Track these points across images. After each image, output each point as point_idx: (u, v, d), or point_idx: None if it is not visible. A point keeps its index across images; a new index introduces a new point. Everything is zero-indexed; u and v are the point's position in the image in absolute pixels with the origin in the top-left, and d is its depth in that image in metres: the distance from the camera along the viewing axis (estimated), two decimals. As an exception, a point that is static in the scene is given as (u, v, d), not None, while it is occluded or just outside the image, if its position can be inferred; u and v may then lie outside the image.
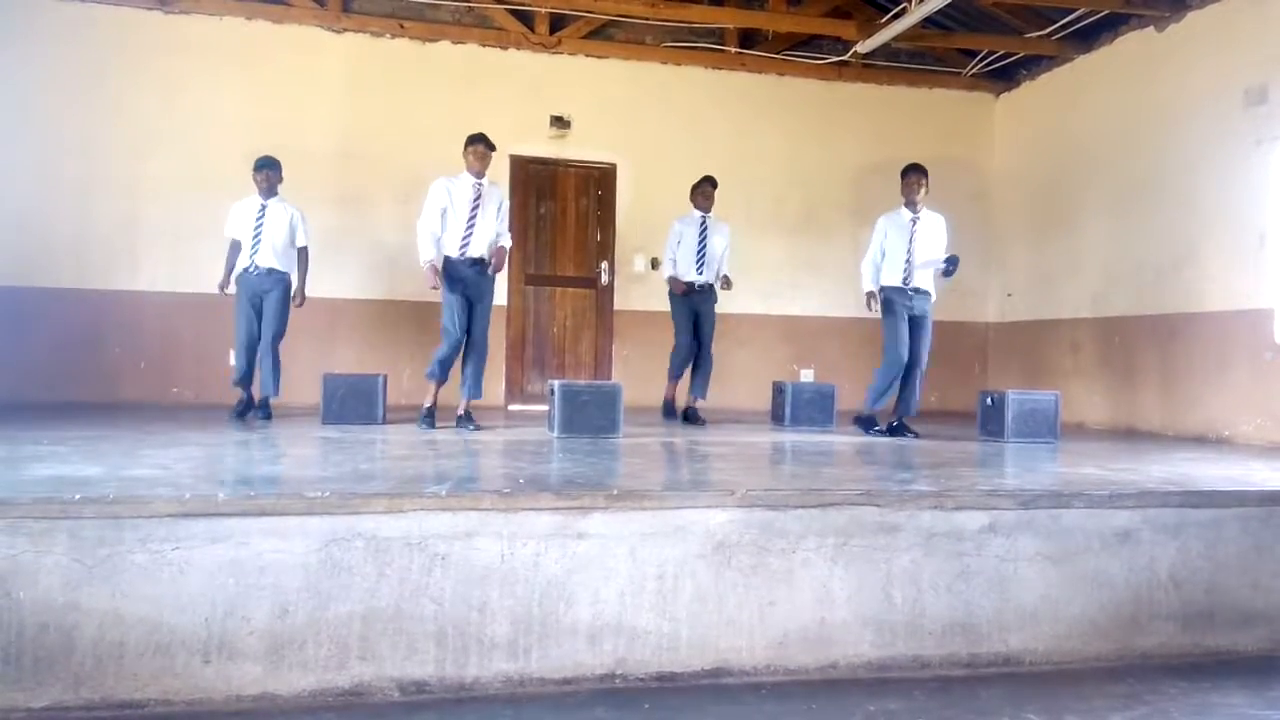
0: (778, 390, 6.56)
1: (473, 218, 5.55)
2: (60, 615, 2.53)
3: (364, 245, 7.63)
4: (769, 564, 3.00)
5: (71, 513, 2.56)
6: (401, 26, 7.77)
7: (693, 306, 6.57)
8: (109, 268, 7.22)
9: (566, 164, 8.16)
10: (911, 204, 5.89)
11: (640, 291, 8.17)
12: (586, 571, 2.87)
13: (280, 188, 6.13)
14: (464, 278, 5.56)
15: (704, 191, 6.61)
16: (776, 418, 6.48)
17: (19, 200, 6.99)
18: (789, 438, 5.54)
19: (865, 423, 5.95)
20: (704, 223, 6.59)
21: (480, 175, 5.60)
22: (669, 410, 6.72)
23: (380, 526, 2.75)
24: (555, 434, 5.12)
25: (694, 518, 2.97)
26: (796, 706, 2.74)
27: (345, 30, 7.68)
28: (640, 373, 7.98)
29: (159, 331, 7.26)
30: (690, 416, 6.51)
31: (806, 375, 8.36)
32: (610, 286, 8.22)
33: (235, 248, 6.02)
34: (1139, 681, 3.04)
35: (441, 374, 5.59)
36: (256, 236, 5.95)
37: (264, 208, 5.98)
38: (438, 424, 5.53)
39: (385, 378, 5.86)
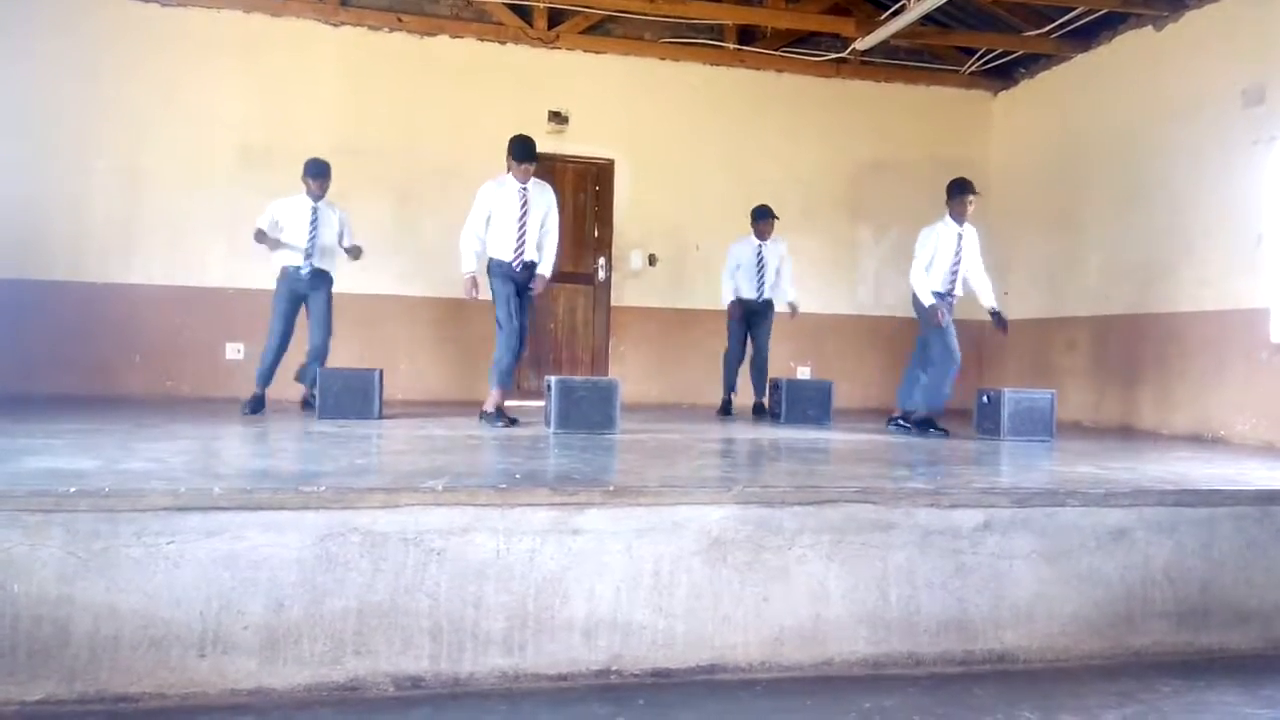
0: (774, 387, 6.57)
1: (522, 226, 5.48)
2: (55, 608, 2.52)
3: (361, 239, 7.60)
4: (765, 561, 3.00)
5: (66, 506, 2.56)
6: (399, 20, 7.75)
7: (750, 319, 6.96)
8: (104, 261, 7.20)
9: (564, 159, 8.15)
10: (960, 219, 5.86)
11: (637, 288, 8.18)
12: (582, 567, 2.87)
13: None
14: (515, 280, 5.52)
15: (768, 223, 6.89)
16: (774, 414, 6.48)
17: (14, 192, 6.96)
18: (786, 434, 5.55)
19: (924, 424, 5.79)
20: (760, 250, 6.89)
21: (525, 183, 5.53)
22: (726, 409, 7.01)
23: (376, 521, 2.74)
24: (552, 429, 5.12)
25: (690, 514, 2.97)
26: (791, 703, 2.75)
27: (343, 24, 7.66)
28: (637, 369, 8.00)
29: (154, 325, 7.25)
30: (759, 410, 6.82)
31: (804, 372, 8.38)
32: (608, 283, 8.22)
33: (261, 235, 5.94)
34: (1133, 679, 3.05)
35: (507, 377, 5.55)
36: (311, 240, 6.02)
37: (316, 210, 6.03)
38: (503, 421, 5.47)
39: (381, 373, 5.85)
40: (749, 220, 6.97)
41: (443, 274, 7.76)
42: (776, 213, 6.94)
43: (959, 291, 5.96)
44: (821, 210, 8.54)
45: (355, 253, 6.23)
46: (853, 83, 8.62)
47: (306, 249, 6.01)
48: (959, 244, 5.86)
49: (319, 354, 6.13)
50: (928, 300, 5.79)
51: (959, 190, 5.84)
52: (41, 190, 7.07)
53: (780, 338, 8.47)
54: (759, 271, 6.91)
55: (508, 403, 5.68)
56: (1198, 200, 6.55)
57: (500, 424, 5.42)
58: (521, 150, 5.45)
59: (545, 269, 5.60)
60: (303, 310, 6.19)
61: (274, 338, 6.06)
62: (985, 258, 6.06)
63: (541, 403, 5.88)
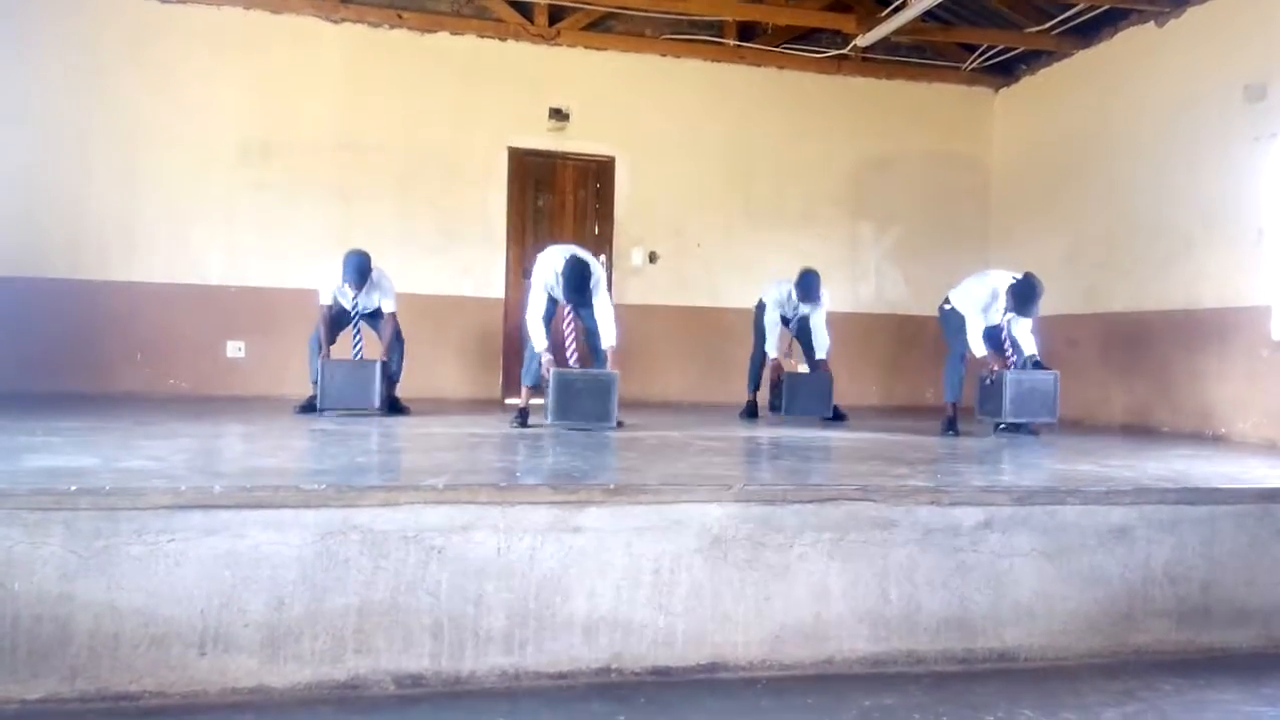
0: (775, 383, 6.56)
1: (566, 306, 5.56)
2: (55, 607, 2.52)
3: (361, 236, 7.57)
4: (765, 559, 3.00)
5: (67, 504, 2.56)
6: (400, 17, 7.74)
7: (794, 331, 6.66)
8: (104, 258, 7.19)
9: (565, 156, 8.14)
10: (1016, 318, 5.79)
11: (638, 285, 8.17)
12: (582, 565, 2.87)
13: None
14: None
15: (812, 298, 6.50)
16: (774, 410, 6.48)
17: (13, 190, 6.95)
18: (787, 431, 5.54)
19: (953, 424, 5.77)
20: (798, 309, 6.56)
21: None
22: (751, 412, 6.74)
23: (376, 519, 2.74)
24: (549, 421, 5.12)
25: (690, 512, 2.97)
26: (792, 701, 2.75)
27: (343, 20, 7.65)
28: (637, 366, 7.98)
29: (155, 323, 7.24)
30: (837, 414, 6.42)
31: (804, 368, 8.35)
32: (608, 280, 8.20)
33: (327, 311, 6.06)
34: (1134, 678, 3.05)
35: (526, 376, 5.49)
36: (356, 321, 6.09)
37: (356, 300, 6.02)
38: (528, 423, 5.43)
39: (382, 364, 5.85)
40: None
41: (441, 271, 7.78)
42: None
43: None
44: (822, 207, 8.53)
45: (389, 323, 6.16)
46: (854, 79, 8.61)
47: (355, 337, 6.07)
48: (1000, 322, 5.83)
49: (393, 356, 6.08)
50: (980, 353, 5.67)
51: (1024, 305, 5.62)
52: (41, 187, 7.05)
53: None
54: (786, 321, 6.65)
55: (516, 405, 5.66)
56: (1198, 196, 6.54)
57: (514, 421, 5.44)
58: (569, 287, 5.29)
59: (608, 342, 5.47)
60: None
61: (315, 337, 6.04)
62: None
63: (541, 400, 5.88)
